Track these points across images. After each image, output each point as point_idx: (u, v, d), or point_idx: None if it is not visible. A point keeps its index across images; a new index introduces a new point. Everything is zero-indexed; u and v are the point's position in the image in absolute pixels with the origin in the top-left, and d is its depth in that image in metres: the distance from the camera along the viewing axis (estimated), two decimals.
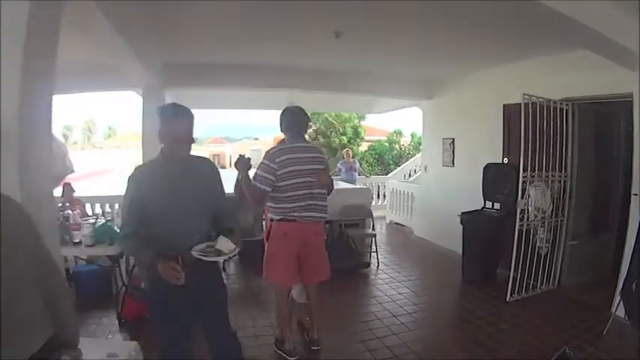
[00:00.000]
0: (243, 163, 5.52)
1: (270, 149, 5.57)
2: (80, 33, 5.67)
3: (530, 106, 7.19)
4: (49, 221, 3.26)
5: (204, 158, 4.49)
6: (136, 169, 3.85)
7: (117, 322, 6.64)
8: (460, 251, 9.11)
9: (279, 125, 5.73)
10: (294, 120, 5.66)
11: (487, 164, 9.20)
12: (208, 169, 4.21)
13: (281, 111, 5.72)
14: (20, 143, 2.68)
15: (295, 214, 5.43)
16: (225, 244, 3.84)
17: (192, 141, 3.78)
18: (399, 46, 8.52)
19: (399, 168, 20.83)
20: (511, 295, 7.39)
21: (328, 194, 5.71)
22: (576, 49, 7.04)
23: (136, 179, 3.71)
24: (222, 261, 9.54)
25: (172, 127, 3.63)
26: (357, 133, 30.61)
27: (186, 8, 6.26)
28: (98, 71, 9.30)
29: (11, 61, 2.67)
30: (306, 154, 5.46)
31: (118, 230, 6.77)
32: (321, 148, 5.65)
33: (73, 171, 7.10)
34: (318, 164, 5.51)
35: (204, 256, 3.73)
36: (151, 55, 8.28)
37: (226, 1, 6.02)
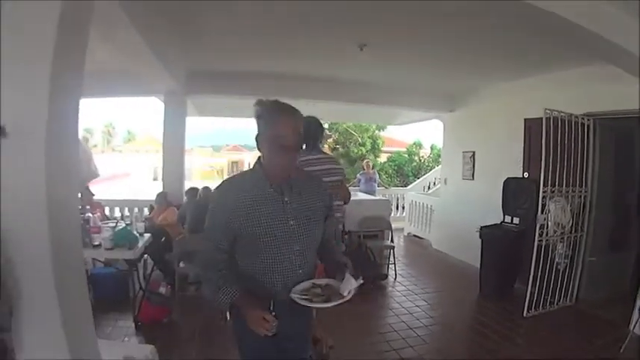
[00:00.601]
0: None
1: None
2: (104, 38, 5.71)
3: (551, 120, 7.15)
4: (73, 225, 3.27)
5: (316, 176, 3.71)
6: (225, 182, 3.24)
7: (133, 325, 6.65)
8: (478, 265, 9.07)
9: None
10: (309, 132, 5.42)
11: (507, 178, 9.14)
12: (318, 185, 3.35)
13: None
14: (47, 146, 2.70)
15: None
16: (347, 284, 2.89)
17: (300, 149, 3.07)
18: (422, 59, 8.53)
19: (418, 180, 20.77)
20: (528, 310, 7.34)
21: (347, 203, 5.74)
22: (598, 63, 7.00)
23: (225, 196, 3.04)
24: None
25: (279, 128, 2.89)
26: (376, 144, 30.53)
27: (211, 16, 6.31)
28: (121, 76, 9.35)
29: (41, 65, 2.69)
30: (321, 167, 5.43)
31: (137, 233, 6.84)
32: (339, 159, 5.57)
33: (98, 175, 7.14)
34: (333, 176, 5.45)
35: (309, 300, 2.88)
36: (174, 62, 8.34)
37: (251, 10, 6.05)
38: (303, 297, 2.89)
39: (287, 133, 2.88)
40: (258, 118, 3.04)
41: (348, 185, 5.86)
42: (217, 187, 3.14)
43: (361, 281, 2.91)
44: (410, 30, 6.69)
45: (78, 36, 3.04)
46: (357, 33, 7.00)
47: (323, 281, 3.07)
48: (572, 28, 4.81)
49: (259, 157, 3.16)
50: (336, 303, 2.83)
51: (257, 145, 3.07)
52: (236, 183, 3.17)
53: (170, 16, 6.35)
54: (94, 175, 7.11)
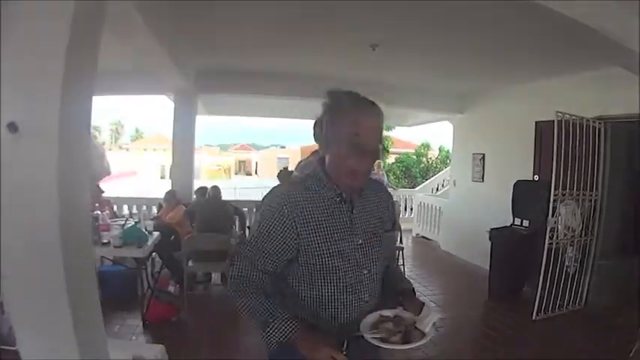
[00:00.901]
0: (286, 175, 5.70)
1: (301, 161, 5.68)
2: (116, 36, 5.71)
3: (563, 123, 7.13)
4: (84, 222, 3.25)
5: (377, 181, 3.19)
6: (281, 190, 2.69)
7: (141, 323, 6.66)
8: (486, 267, 9.08)
9: (312, 135, 5.69)
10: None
11: (517, 181, 9.12)
12: (386, 197, 2.76)
13: (314, 121, 5.74)
14: (59, 143, 2.68)
15: None
16: (427, 318, 2.31)
17: (378, 157, 2.48)
18: (433, 60, 8.54)
19: (426, 182, 20.76)
20: (537, 313, 7.31)
21: None
22: (610, 67, 6.95)
23: (282, 208, 2.36)
24: None
25: (359, 127, 2.31)
26: (384, 145, 30.51)
27: (222, 15, 6.30)
28: (131, 74, 9.38)
29: (53, 62, 2.67)
30: None
31: (146, 232, 6.81)
32: None
33: (110, 172, 7.14)
34: None
35: (384, 340, 2.29)
36: (185, 60, 8.35)
37: (264, 9, 6.04)
38: (375, 335, 2.30)
39: (368, 133, 2.33)
40: (329, 112, 2.48)
41: None
42: (271, 197, 2.67)
43: (440, 316, 2.36)
44: (422, 31, 6.69)
45: (91, 34, 3.03)
46: (369, 33, 6.98)
47: (391, 312, 2.47)
48: (584, 30, 4.78)
49: (320, 160, 2.56)
50: (418, 344, 2.27)
51: (322, 145, 2.50)
52: (296, 192, 2.44)
53: (182, 14, 6.36)
54: (107, 171, 7.11)
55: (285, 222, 2.34)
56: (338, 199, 2.41)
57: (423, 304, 2.47)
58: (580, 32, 4.98)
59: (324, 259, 2.36)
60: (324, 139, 2.46)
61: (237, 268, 2.43)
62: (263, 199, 3.16)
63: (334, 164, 2.42)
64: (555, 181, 7.13)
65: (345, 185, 2.40)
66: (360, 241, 2.43)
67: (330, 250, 2.35)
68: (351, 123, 2.34)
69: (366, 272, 2.44)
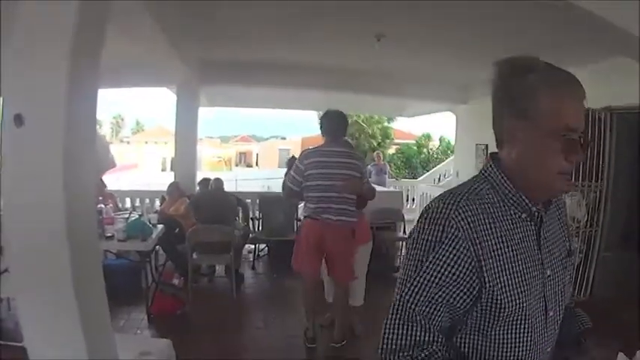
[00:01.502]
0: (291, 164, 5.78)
1: (304, 150, 5.84)
2: (120, 28, 5.69)
3: None
4: (90, 215, 3.23)
5: None
6: (450, 199, 1.62)
7: (146, 317, 6.65)
8: None
9: (319, 127, 5.97)
10: (331, 124, 5.79)
11: None
12: (563, 205, 1.95)
13: (322, 113, 5.90)
14: (64, 136, 2.67)
15: (317, 213, 5.65)
16: None
17: None
18: (438, 50, 8.56)
19: (428, 172, 20.80)
20: None
21: (369, 199, 5.90)
22: (616, 57, 6.92)
23: (453, 230, 1.53)
24: (251, 259, 9.59)
25: (568, 114, 1.51)
26: (386, 135, 30.58)
27: (225, 5, 6.29)
28: (133, 67, 9.35)
29: (58, 55, 2.67)
30: (338, 159, 5.60)
31: (150, 225, 6.80)
32: (361, 155, 5.64)
33: (115, 165, 7.13)
34: (350, 170, 5.60)
35: None
36: (188, 52, 8.33)
37: (267, 0, 6.01)
38: None
39: (579, 124, 1.54)
40: (525, 89, 1.59)
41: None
42: (436, 212, 1.58)
43: None
44: (427, 21, 6.66)
45: (95, 27, 3.02)
46: (374, 23, 6.97)
47: None
48: (590, 19, 4.76)
49: (494, 160, 1.73)
50: None
51: (504, 138, 1.67)
52: (474, 203, 1.59)
53: (185, 6, 6.34)
54: (112, 164, 7.10)
55: (461, 250, 1.53)
56: (524, 216, 1.65)
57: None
58: (586, 21, 4.95)
59: (514, 304, 1.59)
60: (507, 130, 1.65)
61: (394, 334, 1.66)
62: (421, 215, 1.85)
63: (522, 166, 1.63)
64: None
65: (536, 196, 1.65)
66: (549, 273, 1.72)
67: (522, 290, 1.59)
68: (558, 111, 1.54)
69: (551, 314, 1.73)
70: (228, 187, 9.31)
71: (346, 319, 6.22)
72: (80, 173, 2.95)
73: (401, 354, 1.58)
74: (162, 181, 11.75)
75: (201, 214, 8.10)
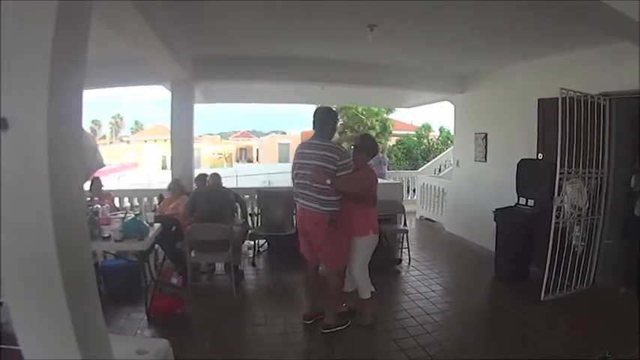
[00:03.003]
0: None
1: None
2: (108, 25, 5.69)
3: (567, 100, 7.03)
4: (78, 217, 3.19)
5: None
6: None
7: (145, 317, 6.59)
8: (491, 248, 9.04)
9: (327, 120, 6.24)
10: (315, 119, 6.13)
11: (521, 160, 9.01)
12: None
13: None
14: (49, 138, 2.62)
15: (299, 201, 6.17)
16: None
17: None
18: (433, 39, 8.45)
19: (428, 163, 20.85)
20: (545, 294, 7.25)
21: (345, 191, 5.93)
22: (614, 42, 6.86)
23: None
24: (251, 255, 9.59)
25: None
26: (385, 127, 30.61)
27: (217, 1, 6.23)
28: (126, 65, 9.38)
29: (40, 55, 2.61)
30: (313, 151, 5.96)
31: (147, 223, 6.77)
32: (341, 149, 5.72)
33: (103, 165, 7.07)
34: (320, 162, 5.84)
35: None
36: (181, 48, 8.32)
37: None
38: None
39: None
40: None
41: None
42: None
43: None
44: (421, 10, 6.59)
45: (79, 24, 2.95)
46: (366, 13, 6.88)
47: None
48: (587, 3, 4.70)
49: None
50: None
51: None
52: None
53: (175, 1, 6.28)
54: (100, 164, 7.04)
55: None
56: None
57: None
58: (583, 5, 4.90)
59: None
60: None
61: None
62: None
63: None
64: (561, 159, 7.04)
65: None
66: None
67: None
68: None
69: None
70: (229, 184, 9.29)
71: (334, 305, 6.41)
72: (67, 175, 2.91)
73: None
74: (163, 179, 11.74)
75: (198, 211, 8.04)
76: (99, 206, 6.74)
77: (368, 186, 6.30)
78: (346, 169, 5.86)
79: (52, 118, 2.64)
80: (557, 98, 7.03)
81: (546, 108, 8.58)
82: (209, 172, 9.97)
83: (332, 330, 6.20)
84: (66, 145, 2.87)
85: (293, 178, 6.26)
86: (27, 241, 2.70)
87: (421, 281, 8.48)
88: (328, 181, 5.71)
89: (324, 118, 6.12)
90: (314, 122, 6.13)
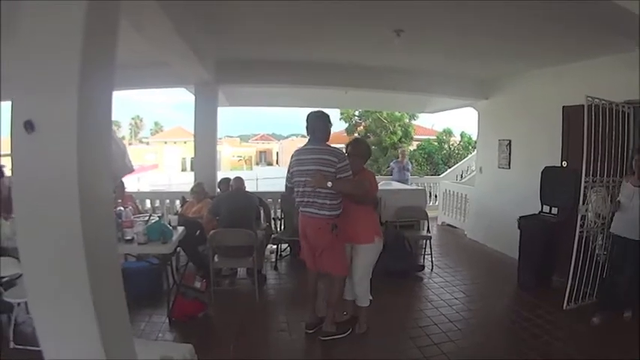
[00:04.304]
0: None
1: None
2: (133, 27, 5.70)
3: (592, 108, 6.98)
4: (106, 220, 3.19)
5: None
6: None
7: (167, 320, 6.61)
8: (514, 255, 9.01)
9: None
10: (308, 124, 6.20)
11: (545, 167, 8.96)
12: None
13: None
14: (78, 141, 2.63)
15: (300, 208, 6.14)
16: None
17: None
18: (459, 45, 8.43)
19: (450, 169, 20.73)
20: (568, 302, 7.18)
21: (346, 192, 5.97)
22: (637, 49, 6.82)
23: None
24: (274, 260, 9.57)
25: None
26: (407, 133, 30.55)
27: (241, 4, 6.27)
28: (150, 67, 9.42)
29: (69, 57, 2.63)
30: (310, 156, 5.96)
31: (170, 227, 6.78)
32: (339, 151, 5.72)
33: (132, 170, 7.07)
34: (319, 166, 5.84)
35: None
36: (205, 51, 8.34)
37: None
38: None
39: None
40: None
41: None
42: None
43: None
44: (447, 15, 6.58)
45: (107, 27, 2.97)
46: (393, 19, 6.89)
47: None
48: (612, 10, 4.67)
49: None
50: None
51: None
52: None
53: (201, 5, 6.33)
54: (129, 169, 7.05)
55: None
56: None
57: None
58: (608, 12, 4.87)
59: None
60: None
61: None
62: None
63: None
64: (586, 167, 6.98)
65: None
66: None
67: None
68: None
69: None
70: (249, 187, 9.28)
71: (333, 313, 6.34)
72: (96, 179, 2.92)
73: None
74: (183, 181, 11.77)
75: (222, 216, 8.05)
76: (122, 209, 6.75)
77: (369, 187, 6.26)
78: (346, 170, 5.87)
79: (82, 121, 2.65)
80: (582, 105, 6.98)
81: (571, 115, 8.55)
82: (229, 174, 9.97)
83: (331, 338, 6.20)
84: (95, 148, 2.88)
85: (287, 186, 6.36)
86: (55, 244, 2.72)
87: (444, 288, 8.44)
88: (329, 184, 5.72)
89: (316, 123, 6.15)
90: (307, 128, 6.19)
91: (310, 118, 6.20)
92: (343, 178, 5.81)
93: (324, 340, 6.17)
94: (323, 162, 5.81)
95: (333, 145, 6.06)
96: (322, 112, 6.33)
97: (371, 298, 6.40)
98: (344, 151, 6.19)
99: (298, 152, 6.20)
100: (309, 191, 5.91)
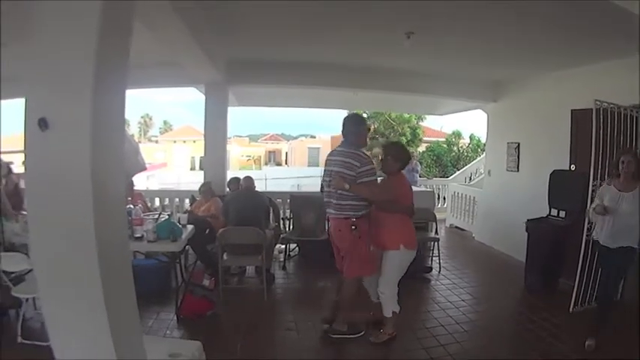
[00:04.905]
0: None
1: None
2: (146, 28, 5.73)
3: (601, 112, 6.98)
4: (119, 218, 3.22)
5: None
6: None
7: (175, 318, 6.65)
8: (521, 258, 9.02)
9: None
10: (342, 126, 6.20)
11: (553, 171, 8.97)
12: None
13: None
14: (92, 139, 2.67)
15: (326, 208, 6.25)
16: None
17: None
18: (468, 48, 8.45)
19: (459, 171, 20.70)
20: (574, 305, 7.20)
21: (364, 196, 5.92)
22: None
23: None
24: (282, 259, 9.58)
25: None
26: (415, 134, 30.55)
27: (253, 5, 6.29)
28: (162, 67, 9.47)
29: (84, 56, 2.66)
30: (337, 157, 6.03)
31: (180, 225, 6.81)
32: (362, 155, 5.71)
33: (145, 168, 7.11)
34: (340, 168, 5.90)
35: None
36: (216, 51, 8.40)
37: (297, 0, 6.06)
38: None
39: None
40: None
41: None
42: None
43: None
44: (457, 19, 6.61)
45: (122, 26, 3.01)
46: (403, 21, 6.91)
47: None
48: (620, 14, 4.67)
49: None
50: None
51: None
52: None
53: (212, 6, 6.36)
54: (142, 167, 7.09)
55: None
56: None
57: None
58: (616, 16, 4.88)
59: None
60: None
61: None
62: None
63: None
64: (594, 170, 7.01)
65: None
66: None
67: None
68: None
69: None
70: (258, 187, 9.31)
71: (345, 313, 6.36)
72: (109, 176, 2.95)
73: None
74: (192, 179, 11.78)
75: (232, 215, 8.11)
76: (132, 206, 6.80)
77: (394, 194, 6.18)
78: (367, 175, 5.85)
79: (96, 119, 2.69)
80: (590, 109, 6.99)
81: (579, 119, 8.56)
82: (238, 174, 10.03)
83: (338, 336, 6.24)
84: (108, 145, 2.91)
85: (322, 185, 6.48)
86: (67, 241, 2.76)
87: (451, 290, 8.47)
88: (347, 186, 5.74)
89: (349, 126, 6.15)
90: (342, 129, 6.18)
91: (345, 120, 6.21)
92: (363, 183, 5.82)
93: (332, 338, 6.21)
94: (346, 165, 5.85)
95: (359, 150, 6.04)
96: (357, 115, 6.53)
97: (396, 310, 6.24)
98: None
99: (330, 153, 6.28)
100: (332, 192, 5.99)
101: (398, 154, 6.35)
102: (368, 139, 6.66)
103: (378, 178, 6.07)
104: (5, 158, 8.87)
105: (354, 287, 6.28)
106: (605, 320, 6.19)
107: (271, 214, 9.45)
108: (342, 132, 6.15)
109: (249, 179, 8.90)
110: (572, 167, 8.89)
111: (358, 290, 6.36)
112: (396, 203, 6.15)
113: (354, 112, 6.33)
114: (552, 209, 8.87)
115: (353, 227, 5.86)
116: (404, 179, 6.54)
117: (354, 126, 6.15)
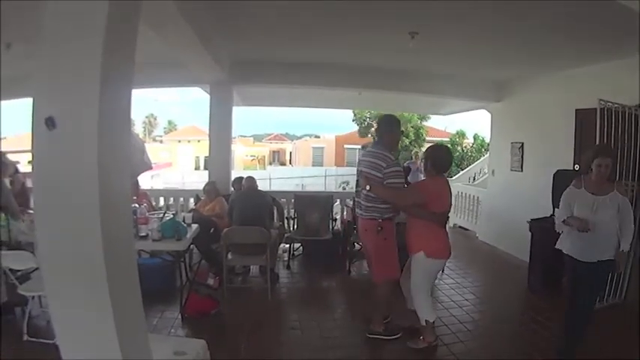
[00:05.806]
0: None
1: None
2: (151, 28, 5.74)
3: (605, 112, 6.99)
4: (125, 217, 3.24)
5: None
6: None
7: (179, 317, 6.66)
8: (524, 258, 9.03)
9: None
10: (377, 127, 6.42)
11: (557, 171, 8.85)
12: None
13: None
14: (99, 137, 2.68)
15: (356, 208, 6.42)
16: None
17: None
18: (472, 48, 8.46)
19: (463, 171, 20.67)
20: None
21: (385, 198, 5.91)
22: None
23: None
24: (286, 259, 9.59)
25: None
26: (418, 134, 30.51)
27: (257, 5, 6.28)
28: (167, 67, 9.44)
29: (91, 56, 2.67)
30: (366, 158, 6.10)
31: (185, 224, 6.83)
32: (388, 157, 5.66)
33: (151, 167, 7.13)
34: (366, 168, 5.99)
35: None
36: (221, 51, 8.44)
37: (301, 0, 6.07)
38: None
39: None
40: None
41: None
42: None
43: None
44: (461, 19, 6.61)
45: (128, 27, 3.02)
46: (408, 21, 6.90)
47: None
48: (624, 13, 4.68)
49: None
50: None
51: None
52: None
53: (217, 6, 6.38)
54: (147, 166, 7.11)
55: None
56: None
57: None
58: (621, 16, 4.88)
59: None
60: None
61: None
62: None
63: None
64: None
65: None
66: None
67: None
68: None
69: None
70: (262, 186, 9.32)
71: (377, 315, 6.33)
72: (115, 175, 2.97)
73: None
74: (196, 179, 11.79)
75: (236, 214, 8.11)
76: (137, 205, 6.80)
77: (419, 198, 5.80)
78: (392, 177, 5.82)
79: (102, 118, 2.70)
80: (594, 109, 7.01)
81: (583, 118, 8.56)
82: (242, 174, 10.02)
83: (375, 336, 6.20)
84: (115, 144, 2.92)
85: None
86: (74, 240, 2.77)
87: (454, 289, 8.49)
88: (367, 187, 5.74)
89: (382, 127, 6.26)
90: (376, 129, 6.41)
91: (380, 121, 6.41)
92: (385, 185, 5.82)
93: (369, 337, 6.21)
94: (373, 165, 5.90)
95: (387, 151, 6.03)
96: (392, 117, 6.46)
97: (429, 319, 5.98)
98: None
99: (362, 153, 6.43)
100: (359, 191, 6.14)
101: (433, 156, 5.93)
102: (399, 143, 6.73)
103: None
104: (11, 158, 8.90)
105: (387, 291, 6.29)
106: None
107: (275, 214, 9.47)
108: (376, 132, 6.31)
109: (250, 179, 8.91)
110: (576, 167, 8.87)
111: (393, 294, 6.36)
112: (421, 208, 5.80)
113: (389, 113, 6.34)
114: (556, 209, 8.85)
115: (379, 228, 5.88)
116: (437, 185, 5.91)
117: (386, 127, 6.22)
